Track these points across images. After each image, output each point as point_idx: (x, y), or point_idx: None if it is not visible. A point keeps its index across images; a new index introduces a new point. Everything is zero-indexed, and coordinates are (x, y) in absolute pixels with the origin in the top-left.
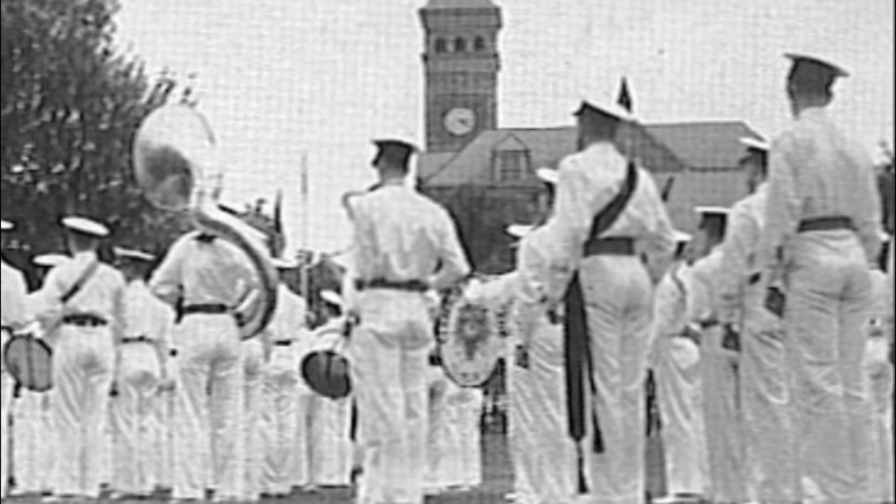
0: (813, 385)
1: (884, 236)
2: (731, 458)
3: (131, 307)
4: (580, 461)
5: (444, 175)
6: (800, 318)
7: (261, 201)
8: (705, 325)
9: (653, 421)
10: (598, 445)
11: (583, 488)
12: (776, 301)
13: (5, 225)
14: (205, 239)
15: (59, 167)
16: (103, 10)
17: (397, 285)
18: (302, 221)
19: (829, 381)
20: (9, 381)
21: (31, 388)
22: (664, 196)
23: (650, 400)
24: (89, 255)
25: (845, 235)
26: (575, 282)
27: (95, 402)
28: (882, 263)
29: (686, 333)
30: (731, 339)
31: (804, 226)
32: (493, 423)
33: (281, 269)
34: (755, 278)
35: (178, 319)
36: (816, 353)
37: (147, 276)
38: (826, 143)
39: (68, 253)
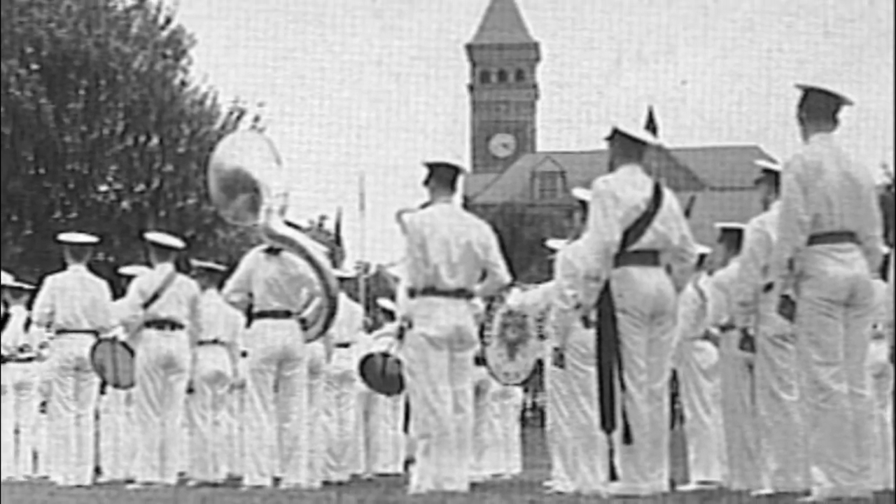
0: (821, 383)
1: (885, 249)
2: (747, 450)
3: (206, 313)
4: (611, 452)
5: (488, 194)
6: (809, 322)
7: (323, 217)
8: (724, 329)
9: (676, 416)
10: (627, 438)
11: (613, 476)
12: (788, 307)
13: (92, 239)
14: (272, 251)
15: (140, 187)
16: (181, 44)
17: (446, 293)
18: (360, 236)
19: (835, 380)
20: (95, 380)
21: (116, 386)
22: (686, 213)
23: (674, 397)
24: (168, 266)
25: (850, 248)
26: (606, 290)
27: (173, 399)
28: (883, 273)
29: (706, 337)
30: (747, 342)
31: (813, 240)
32: (533, 418)
33: (341, 279)
34: (769, 287)
35: (248, 324)
36: (824, 354)
37: (220, 285)
38: (833, 165)
39: (149, 264)
